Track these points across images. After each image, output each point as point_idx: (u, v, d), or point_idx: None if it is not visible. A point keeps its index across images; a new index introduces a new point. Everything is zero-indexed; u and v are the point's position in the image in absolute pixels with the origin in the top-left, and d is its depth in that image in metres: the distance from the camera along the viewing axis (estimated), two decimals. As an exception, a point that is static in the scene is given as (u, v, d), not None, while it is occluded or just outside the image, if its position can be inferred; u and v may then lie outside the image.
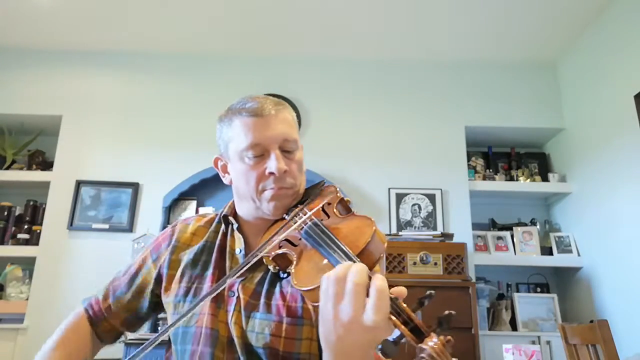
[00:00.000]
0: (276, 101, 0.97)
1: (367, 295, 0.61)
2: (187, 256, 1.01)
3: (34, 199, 3.23)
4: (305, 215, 0.87)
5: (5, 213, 3.16)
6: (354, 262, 0.69)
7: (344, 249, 0.74)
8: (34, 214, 3.20)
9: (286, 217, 0.93)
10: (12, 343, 2.80)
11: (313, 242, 0.81)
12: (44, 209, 3.14)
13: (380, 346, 0.56)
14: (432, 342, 0.56)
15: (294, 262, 0.82)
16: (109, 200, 3.13)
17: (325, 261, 0.76)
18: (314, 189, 0.99)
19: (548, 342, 2.79)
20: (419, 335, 0.58)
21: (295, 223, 0.86)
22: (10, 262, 3.05)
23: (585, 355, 1.95)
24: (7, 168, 3.25)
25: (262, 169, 0.92)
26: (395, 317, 0.60)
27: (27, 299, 2.93)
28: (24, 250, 3.03)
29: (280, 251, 0.85)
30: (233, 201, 1.05)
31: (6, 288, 2.98)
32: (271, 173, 0.91)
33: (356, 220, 0.85)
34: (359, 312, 0.61)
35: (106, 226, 3.07)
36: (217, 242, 1.01)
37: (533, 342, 2.79)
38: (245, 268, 0.78)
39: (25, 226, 3.13)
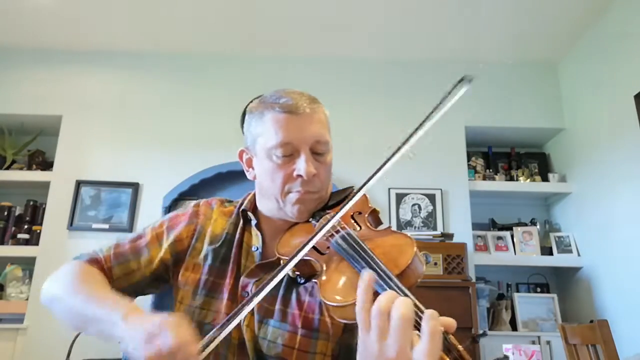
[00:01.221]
0: (312, 98, 0.93)
1: (417, 330, 0.57)
2: (207, 245, 0.95)
3: (34, 199, 3.23)
4: (336, 222, 0.79)
5: (5, 213, 3.16)
6: (394, 283, 0.65)
7: (383, 267, 0.68)
8: (34, 214, 3.19)
9: (312, 222, 0.88)
10: (12, 343, 2.80)
11: (346, 254, 0.75)
12: (44, 209, 3.14)
13: None
14: None
15: (322, 273, 0.77)
16: (109, 200, 3.12)
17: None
18: (341, 194, 0.95)
19: (548, 342, 2.79)
20: None
21: (323, 229, 0.77)
22: (10, 262, 3.04)
23: (585, 355, 1.95)
24: (7, 168, 3.24)
25: (289, 169, 0.87)
26: (445, 353, 0.56)
27: (27, 299, 2.93)
28: (24, 250, 3.03)
29: (305, 257, 0.78)
30: (254, 194, 1.00)
31: (6, 288, 2.98)
32: (299, 175, 0.86)
33: (394, 237, 0.78)
34: (406, 350, 0.56)
35: (106, 226, 3.07)
36: (237, 236, 0.96)
37: (533, 342, 2.78)
38: (273, 281, 0.71)
39: (25, 226, 3.13)
